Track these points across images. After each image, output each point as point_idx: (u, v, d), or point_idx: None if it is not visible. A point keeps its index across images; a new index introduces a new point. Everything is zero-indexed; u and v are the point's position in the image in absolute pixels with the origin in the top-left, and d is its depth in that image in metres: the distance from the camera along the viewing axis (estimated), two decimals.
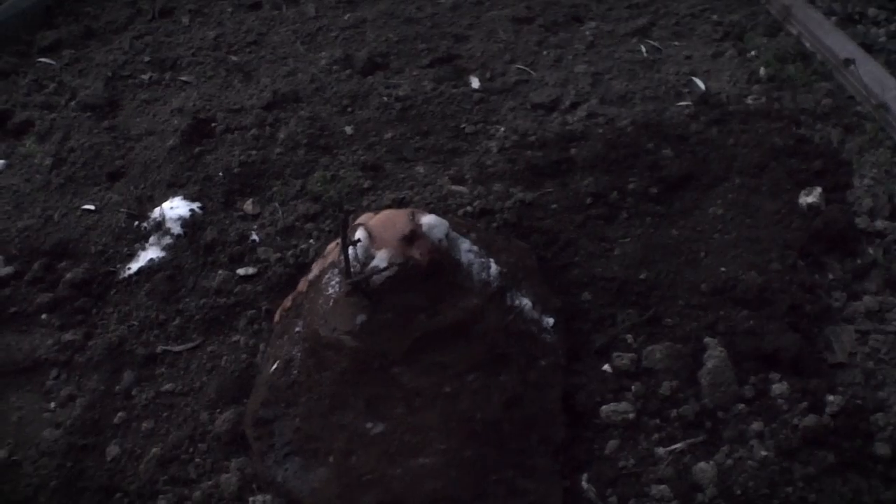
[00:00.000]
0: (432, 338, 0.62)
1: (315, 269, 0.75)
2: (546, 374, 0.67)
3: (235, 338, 0.82)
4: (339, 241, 0.80)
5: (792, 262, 0.79)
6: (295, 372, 0.67)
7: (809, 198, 0.84)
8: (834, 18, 1.19)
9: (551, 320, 0.72)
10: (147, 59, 1.21)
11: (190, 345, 0.84)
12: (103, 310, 0.90)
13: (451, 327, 0.62)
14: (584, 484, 0.64)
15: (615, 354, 0.72)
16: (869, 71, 0.94)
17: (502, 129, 1.04)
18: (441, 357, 0.62)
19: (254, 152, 1.02)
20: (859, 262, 0.80)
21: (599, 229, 0.87)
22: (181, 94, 1.14)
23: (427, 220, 0.65)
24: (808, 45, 1.10)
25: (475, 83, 1.18)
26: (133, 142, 1.07)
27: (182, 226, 0.94)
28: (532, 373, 0.66)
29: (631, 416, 0.67)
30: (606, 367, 0.72)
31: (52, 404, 0.83)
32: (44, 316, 0.90)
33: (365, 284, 0.60)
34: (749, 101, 1.02)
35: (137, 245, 0.94)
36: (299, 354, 0.68)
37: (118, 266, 0.92)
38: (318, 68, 1.18)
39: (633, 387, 0.70)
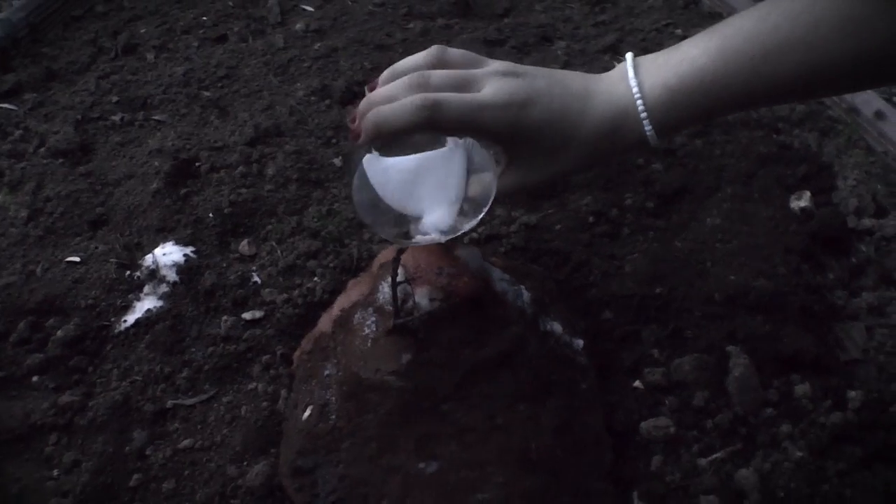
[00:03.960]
0: (480, 371, 0.61)
1: (338, 308, 0.73)
2: (588, 397, 0.67)
3: (252, 385, 0.80)
4: (359, 277, 0.79)
5: (796, 265, 0.82)
6: (333, 417, 0.65)
7: (801, 202, 0.88)
8: None
9: (581, 342, 0.72)
10: (115, 99, 1.16)
11: (203, 396, 0.80)
12: (101, 367, 0.85)
13: (497, 358, 0.62)
14: (637, 502, 0.65)
15: (646, 370, 0.73)
16: None
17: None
18: (490, 389, 0.62)
19: (244, 190, 1.00)
20: (854, 260, 0.84)
21: (606, 247, 0.89)
22: (157, 134, 1.10)
23: (462, 251, 0.65)
24: None
25: None
26: (112, 187, 1.02)
27: (177, 272, 0.91)
28: (576, 397, 0.66)
29: (672, 429, 0.68)
30: (637, 383, 0.73)
31: (56, 472, 0.77)
32: (35, 378, 0.84)
33: (413, 324, 0.59)
34: None
35: (131, 295, 0.90)
36: (334, 399, 0.67)
37: (112, 319, 0.88)
38: (296, 100, 1.17)
39: (666, 401, 0.72)
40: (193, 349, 0.84)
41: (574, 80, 0.56)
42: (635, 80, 0.54)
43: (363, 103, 0.54)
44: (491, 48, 1.37)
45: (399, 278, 0.57)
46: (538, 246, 0.89)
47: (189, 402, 0.80)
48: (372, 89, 0.55)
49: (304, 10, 1.42)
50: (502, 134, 0.54)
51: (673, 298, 0.81)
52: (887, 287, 0.81)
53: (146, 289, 0.90)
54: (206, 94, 1.18)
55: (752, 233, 0.87)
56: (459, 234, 0.59)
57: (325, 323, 0.75)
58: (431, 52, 0.54)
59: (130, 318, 0.88)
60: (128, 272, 0.92)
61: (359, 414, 0.63)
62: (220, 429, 0.76)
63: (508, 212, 0.95)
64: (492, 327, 0.63)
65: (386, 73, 0.55)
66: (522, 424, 0.62)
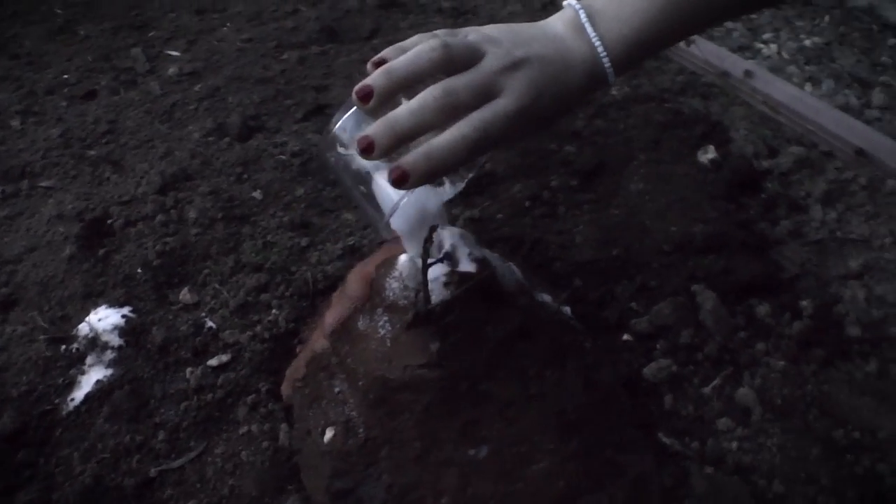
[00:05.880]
0: (504, 346, 0.62)
1: (331, 321, 0.71)
2: (594, 355, 0.70)
3: (244, 429, 0.74)
4: (340, 291, 0.77)
5: (723, 208, 0.91)
6: (361, 430, 0.63)
7: (708, 155, 0.98)
8: None
9: (568, 308, 0.75)
10: None
11: (191, 455, 0.73)
12: (56, 455, 0.75)
13: (517, 331, 0.63)
14: (666, 440, 0.68)
15: (632, 322, 0.78)
16: (704, 47, 1.12)
17: None
18: (517, 362, 0.63)
19: (168, 239, 0.93)
20: (764, 196, 0.95)
21: (551, 225, 0.93)
22: (50, 201, 1.00)
23: (454, 230, 0.65)
24: None
25: None
26: (14, 264, 0.92)
27: (120, 335, 0.82)
28: (586, 356, 0.69)
29: (674, 368, 0.73)
30: (626, 336, 0.78)
31: None
32: None
33: (438, 310, 0.59)
34: (614, 92, 1.15)
35: (74, 370, 0.80)
36: (356, 412, 0.64)
37: (57, 401, 0.78)
38: (194, 143, 1.11)
39: (657, 345, 0.76)
40: (163, 410, 0.77)
41: (548, 48, 0.56)
42: (597, 37, 0.56)
43: (384, 127, 0.47)
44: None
45: (449, 253, 0.57)
46: (489, 235, 0.92)
47: (176, 464, 0.73)
48: (365, 97, 0.48)
49: (170, 55, 1.36)
50: (524, 132, 0.54)
51: (630, 257, 0.86)
52: (797, 213, 0.92)
53: (89, 359, 0.81)
54: (92, 152, 1.10)
55: (676, 189, 0.95)
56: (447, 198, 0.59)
57: (317, 343, 0.72)
58: (435, 52, 0.48)
59: (79, 395, 0.78)
60: (63, 347, 0.82)
61: (391, 418, 0.62)
62: (225, 481, 0.70)
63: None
64: (501, 303, 0.64)
65: (382, 78, 0.48)
66: (554, 389, 0.63)
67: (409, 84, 0.49)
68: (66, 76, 1.25)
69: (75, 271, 0.89)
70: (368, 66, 0.51)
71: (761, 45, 1.22)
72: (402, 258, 0.63)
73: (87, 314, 0.85)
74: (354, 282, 0.73)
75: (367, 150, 0.47)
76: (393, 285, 0.63)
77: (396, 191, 0.50)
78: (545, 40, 0.56)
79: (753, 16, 1.31)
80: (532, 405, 0.62)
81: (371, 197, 0.53)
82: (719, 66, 1.10)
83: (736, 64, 1.09)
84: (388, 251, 0.74)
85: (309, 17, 1.54)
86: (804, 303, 0.80)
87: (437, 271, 0.61)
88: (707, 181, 0.95)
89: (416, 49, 0.50)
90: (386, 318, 0.63)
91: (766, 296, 0.81)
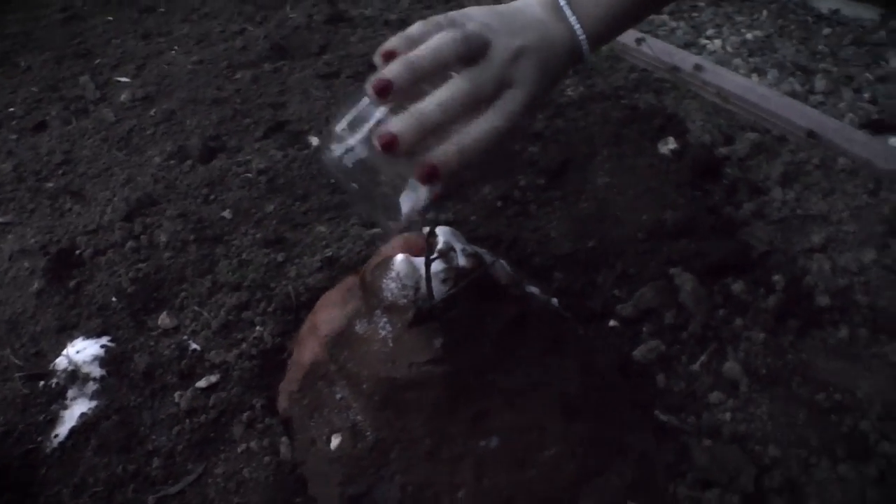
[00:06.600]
0: (505, 336, 0.63)
1: (325, 330, 0.70)
2: (587, 341, 0.72)
3: (242, 447, 0.73)
4: (327, 299, 0.77)
5: (689, 194, 0.94)
6: (369, 433, 0.63)
7: (668, 146, 1.01)
8: None
9: (556, 300, 0.77)
10: None
11: (190, 478, 0.71)
12: (43, 494, 0.72)
13: (515, 322, 0.64)
14: (663, 417, 0.70)
15: (618, 307, 0.80)
16: (654, 45, 1.17)
17: None
18: (518, 352, 0.64)
19: (141, 265, 0.91)
20: (725, 181, 0.99)
21: (525, 223, 0.95)
22: (9, 237, 0.96)
23: (445, 228, 0.66)
24: None
25: (316, 141, 1.19)
26: None
27: (101, 365, 0.80)
28: (580, 343, 0.70)
29: (663, 348, 0.75)
30: (612, 322, 0.80)
31: None
32: None
33: (440, 305, 0.59)
34: (569, 92, 1.19)
35: (55, 406, 0.77)
36: (361, 416, 0.64)
37: (39, 439, 0.75)
38: (155, 167, 1.09)
39: (644, 328, 0.79)
40: (155, 436, 0.75)
41: (537, 35, 0.55)
42: (576, 19, 0.58)
43: (411, 122, 0.45)
44: (327, 81, 1.39)
45: (452, 250, 0.57)
46: (466, 237, 0.92)
47: (174, 489, 0.71)
48: (382, 90, 0.46)
49: (120, 81, 1.33)
50: (528, 117, 0.55)
51: (606, 246, 0.89)
52: (758, 194, 0.96)
53: (70, 393, 0.78)
54: (49, 184, 1.06)
55: (641, 180, 0.98)
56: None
57: (310, 353, 0.71)
58: (458, 44, 0.47)
59: (63, 430, 0.76)
60: (41, 383, 0.79)
61: (399, 418, 0.62)
62: (230, 500, 0.69)
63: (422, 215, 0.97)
64: (496, 295, 0.65)
65: (405, 72, 0.46)
66: (556, 376, 0.64)
67: (429, 77, 0.48)
68: (11, 109, 1.21)
69: (46, 305, 0.86)
70: (377, 57, 0.50)
71: (706, 41, 1.28)
72: (398, 258, 0.63)
73: (64, 348, 0.82)
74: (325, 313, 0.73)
75: (389, 146, 0.45)
76: (390, 286, 0.63)
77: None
78: (533, 26, 0.56)
79: (695, 14, 1.38)
80: (537, 393, 0.63)
81: (378, 192, 0.53)
82: (669, 62, 1.14)
83: (685, 59, 1.14)
84: (409, 238, 0.73)
85: (257, 36, 1.53)
86: (775, 277, 0.83)
87: (433, 268, 0.62)
88: (670, 170, 0.98)
89: (438, 41, 0.48)
90: (386, 319, 0.64)
91: (740, 274, 0.84)
